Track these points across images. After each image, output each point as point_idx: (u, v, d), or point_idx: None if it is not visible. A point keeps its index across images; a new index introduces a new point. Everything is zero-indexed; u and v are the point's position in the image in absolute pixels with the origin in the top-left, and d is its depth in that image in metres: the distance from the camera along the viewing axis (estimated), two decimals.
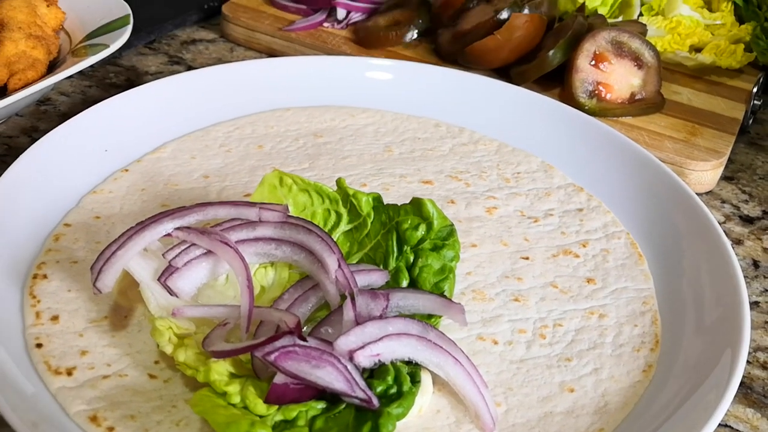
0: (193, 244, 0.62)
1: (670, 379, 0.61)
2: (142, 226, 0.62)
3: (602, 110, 0.95)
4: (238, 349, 0.54)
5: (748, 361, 0.69)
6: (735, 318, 0.63)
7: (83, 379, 0.57)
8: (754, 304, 0.75)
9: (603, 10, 1.10)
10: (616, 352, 0.64)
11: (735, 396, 0.65)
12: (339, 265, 0.59)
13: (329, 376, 0.52)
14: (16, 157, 0.74)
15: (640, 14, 1.12)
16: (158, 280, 0.60)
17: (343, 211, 0.67)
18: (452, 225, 0.67)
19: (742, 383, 0.67)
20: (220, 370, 0.54)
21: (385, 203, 0.67)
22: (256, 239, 0.63)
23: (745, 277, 0.68)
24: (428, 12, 1.10)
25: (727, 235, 0.79)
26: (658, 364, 0.63)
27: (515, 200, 0.80)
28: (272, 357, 0.52)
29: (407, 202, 0.66)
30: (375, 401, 0.53)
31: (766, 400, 0.66)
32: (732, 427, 0.63)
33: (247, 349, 0.53)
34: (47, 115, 0.94)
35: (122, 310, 0.64)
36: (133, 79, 1.02)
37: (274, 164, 0.82)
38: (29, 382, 0.56)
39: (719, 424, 0.63)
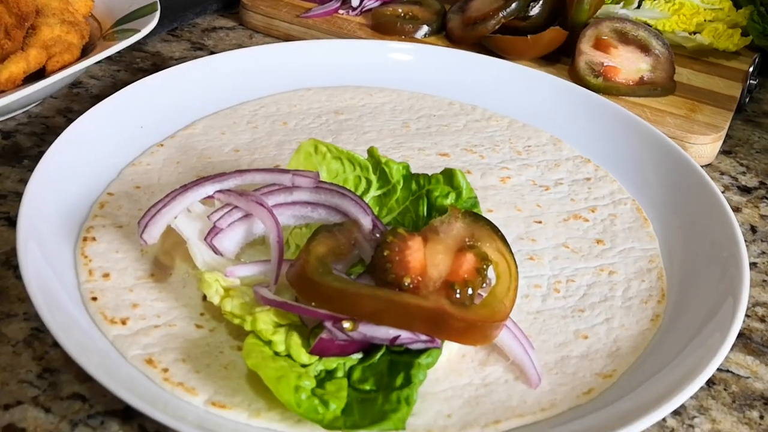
0: (235, 207, 0.67)
1: (676, 326, 0.66)
2: (186, 188, 0.67)
3: (607, 88, 1.00)
4: (320, 312, 0.57)
5: (747, 315, 0.74)
6: (735, 268, 0.68)
7: (137, 328, 0.62)
8: (752, 265, 0.81)
9: None
10: (625, 304, 0.69)
11: (736, 345, 0.71)
12: (374, 224, 0.64)
13: (392, 329, 0.57)
14: (54, 135, 0.78)
15: (642, 0, 1.17)
16: (204, 239, 0.65)
17: (373, 178, 0.71)
18: (476, 197, 0.72)
19: (742, 334, 0.72)
20: (266, 319, 0.59)
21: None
22: (294, 203, 0.68)
23: (744, 241, 0.73)
24: (444, 17, 1.15)
25: None
26: (665, 314, 0.69)
27: (527, 171, 0.85)
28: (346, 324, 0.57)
29: (428, 172, 0.71)
30: (437, 340, 0.58)
31: (765, 349, 0.71)
32: (734, 373, 0.68)
33: (325, 316, 0.57)
34: (80, 97, 0.98)
35: (167, 268, 0.68)
36: (159, 64, 1.07)
37: (299, 139, 0.87)
38: (89, 329, 0.61)
39: (723, 370, 0.68)
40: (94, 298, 0.64)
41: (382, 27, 1.12)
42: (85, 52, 0.97)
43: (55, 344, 0.63)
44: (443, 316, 0.57)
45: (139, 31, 0.95)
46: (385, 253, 0.60)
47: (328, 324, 0.57)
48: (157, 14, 0.98)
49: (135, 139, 0.83)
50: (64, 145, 0.77)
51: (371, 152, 0.71)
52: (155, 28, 0.99)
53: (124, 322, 0.62)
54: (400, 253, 0.60)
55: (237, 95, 0.93)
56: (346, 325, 0.57)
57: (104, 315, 0.63)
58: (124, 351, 0.60)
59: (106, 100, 0.83)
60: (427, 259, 0.61)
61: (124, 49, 0.94)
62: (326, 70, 0.98)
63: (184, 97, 0.90)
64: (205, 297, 0.62)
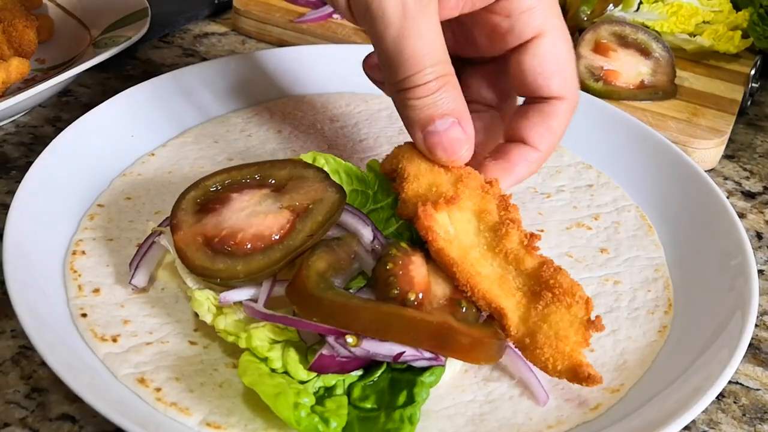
0: None
1: (684, 338, 0.65)
2: None
3: (609, 92, 0.98)
4: (322, 327, 0.55)
5: (756, 324, 0.72)
6: (744, 279, 0.66)
7: (128, 345, 0.60)
8: (759, 273, 0.79)
9: None
10: (631, 315, 0.67)
11: (745, 356, 0.68)
12: (374, 235, 0.62)
13: (396, 346, 0.55)
14: (43, 145, 0.76)
15: (641, 3, 1.15)
16: None
17: (371, 192, 0.69)
18: None
19: (751, 345, 0.70)
20: (261, 336, 0.57)
21: None
22: None
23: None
24: None
25: None
26: (672, 326, 0.67)
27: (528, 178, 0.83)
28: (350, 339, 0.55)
29: None
30: (441, 357, 0.56)
31: None
32: (743, 384, 0.67)
33: (328, 330, 0.55)
34: (69, 106, 0.96)
35: (159, 283, 0.66)
36: (150, 71, 1.05)
37: (294, 147, 0.85)
38: (78, 347, 0.59)
39: (732, 382, 0.66)
40: (84, 315, 0.62)
41: None
42: (73, 60, 0.95)
43: (44, 363, 0.60)
44: (450, 332, 0.55)
45: (129, 37, 0.93)
46: (388, 267, 0.58)
47: (331, 339, 0.55)
48: (148, 20, 0.96)
49: (126, 149, 0.81)
50: (53, 156, 0.75)
51: (370, 166, 0.70)
52: (146, 34, 0.97)
53: (114, 340, 0.60)
54: (404, 267, 0.58)
55: (230, 103, 0.91)
56: (350, 340, 0.55)
57: (94, 332, 0.60)
58: (115, 370, 0.58)
59: (95, 108, 0.81)
60: (430, 275, 0.59)
61: (114, 56, 0.91)
62: (321, 76, 0.96)
63: (175, 105, 0.87)
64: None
